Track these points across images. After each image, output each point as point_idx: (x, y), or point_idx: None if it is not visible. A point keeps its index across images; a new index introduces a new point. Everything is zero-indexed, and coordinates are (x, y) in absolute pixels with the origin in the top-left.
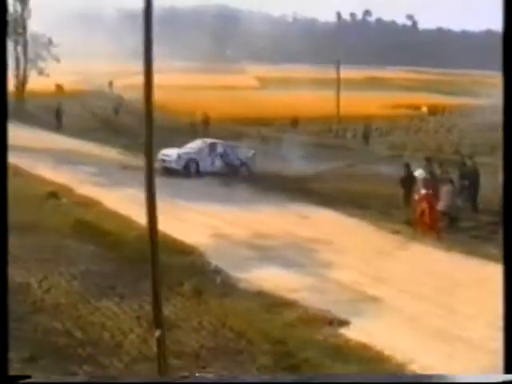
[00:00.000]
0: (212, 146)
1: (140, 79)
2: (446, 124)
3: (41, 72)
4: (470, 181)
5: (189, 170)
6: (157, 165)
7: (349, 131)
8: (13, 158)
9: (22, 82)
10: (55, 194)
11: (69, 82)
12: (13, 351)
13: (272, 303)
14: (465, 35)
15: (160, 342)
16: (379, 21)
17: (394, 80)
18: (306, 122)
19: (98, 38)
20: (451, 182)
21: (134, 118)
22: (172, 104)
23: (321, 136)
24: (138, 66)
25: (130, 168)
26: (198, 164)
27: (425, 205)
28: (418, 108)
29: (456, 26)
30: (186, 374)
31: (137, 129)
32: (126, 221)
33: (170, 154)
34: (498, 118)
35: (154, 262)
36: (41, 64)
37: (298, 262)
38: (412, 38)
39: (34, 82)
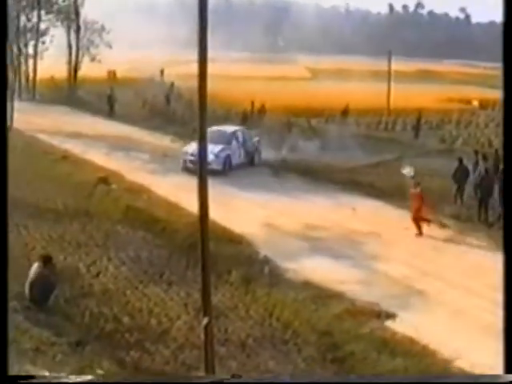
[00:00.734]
0: (235, 136)
1: (192, 68)
2: (496, 118)
3: (93, 58)
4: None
5: (225, 167)
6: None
7: (398, 124)
8: (65, 144)
9: (74, 69)
10: (105, 179)
11: (121, 70)
12: (60, 335)
13: (319, 295)
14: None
15: (207, 329)
16: (431, 13)
17: (446, 73)
18: (357, 114)
19: (152, 25)
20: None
21: (185, 106)
22: (223, 93)
23: (370, 128)
24: (191, 54)
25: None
26: (230, 158)
27: (417, 203)
28: (469, 102)
29: None
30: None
31: (188, 117)
32: (176, 208)
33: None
34: None
35: (204, 249)
36: (93, 51)
37: (346, 253)
38: (464, 31)
39: (87, 69)
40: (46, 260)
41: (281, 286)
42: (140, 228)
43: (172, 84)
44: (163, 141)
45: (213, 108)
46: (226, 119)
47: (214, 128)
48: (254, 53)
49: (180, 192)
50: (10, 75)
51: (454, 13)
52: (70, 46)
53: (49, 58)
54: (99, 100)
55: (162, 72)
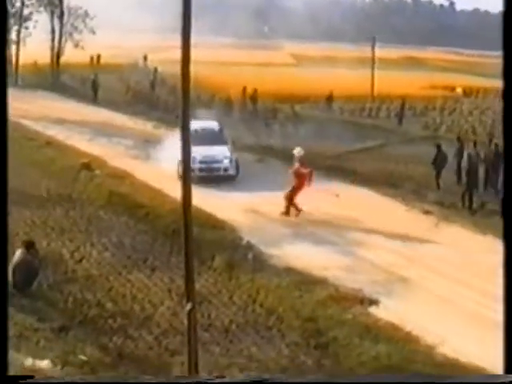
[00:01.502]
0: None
1: (176, 54)
2: (480, 106)
3: (76, 44)
4: (494, 164)
5: (238, 171)
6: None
7: (382, 110)
8: (48, 130)
9: (57, 54)
10: (89, 165)
11: (105, 55)
12: (43, 321)
13: (303, 280)
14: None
15: (190, 315)
16: (416, 0)
17: (430, 60)
18: (341, 101)
19: (136, 11)
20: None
21: (169, 92)
22: (207, 79)
23: (354, 115)
24: (175, 40)
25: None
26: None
27: (301, 182)
28: (453, 89)
29: (493, 8)
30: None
31: (172, 103)
32: (159, 194)
33: (216, 157)
34: None
35: (187, 235)
36: (77, 36)
37: (330, 240)
38: (449, 19)
39: (70, 55)
40: (29, 245)
41: (264, 271)
42: (123, 214)
43: (155, 70)
44: (147, 126)
45: (197, 94)
46: (208, 105)
47: (202, 125)
48: (240, 39)
49: (164, 178)
50: None
51: (439, 0)
52: (53, 32)
53: (32, 43)
54: (83, 86)
55: (145, 58)
